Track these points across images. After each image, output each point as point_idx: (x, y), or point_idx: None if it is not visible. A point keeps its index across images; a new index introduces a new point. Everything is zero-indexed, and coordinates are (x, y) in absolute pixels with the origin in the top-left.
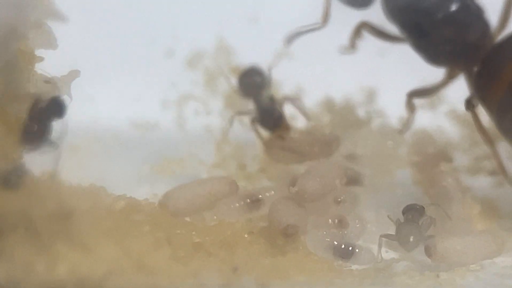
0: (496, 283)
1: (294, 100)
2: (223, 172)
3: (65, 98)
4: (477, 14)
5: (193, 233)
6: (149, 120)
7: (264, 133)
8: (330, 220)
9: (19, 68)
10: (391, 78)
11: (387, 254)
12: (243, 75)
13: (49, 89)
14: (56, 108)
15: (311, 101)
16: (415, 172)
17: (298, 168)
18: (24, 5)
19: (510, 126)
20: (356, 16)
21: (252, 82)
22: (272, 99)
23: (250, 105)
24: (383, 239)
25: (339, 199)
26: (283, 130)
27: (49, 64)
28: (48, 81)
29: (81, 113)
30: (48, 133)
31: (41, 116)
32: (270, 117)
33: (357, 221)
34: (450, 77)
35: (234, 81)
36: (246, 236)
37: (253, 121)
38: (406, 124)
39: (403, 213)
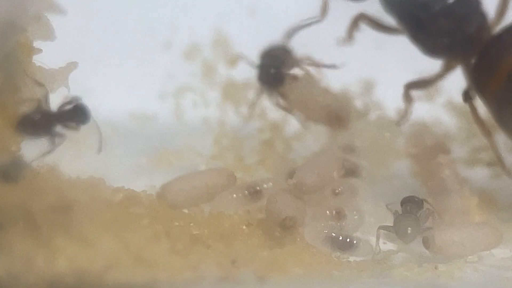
0: (494, 275)
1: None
2: (221, 164)
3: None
4: (474, 5)
5: (191, 225)
6: (147, 112)
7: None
8: (328, 212)
9: (18, 60)
10: (388, 69)
11: (385, 245)
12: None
13: (42, 91)
14: (79, 115)
15: None
16: (413, 164)
17: (296, 160)
18: None
19: (508, 117)
20: (354, 8)
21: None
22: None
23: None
24: (381, 230)
25: (337, 191)
26: (283, 89)
27: (47, 56)
28: (40, 83)
29: None
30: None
31: (61, 116)
32: (266, 72)
33: (355, 212)
34: (447, 69)
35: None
36: (244, 228)
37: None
38: (404, 115)
39: (402, 204)
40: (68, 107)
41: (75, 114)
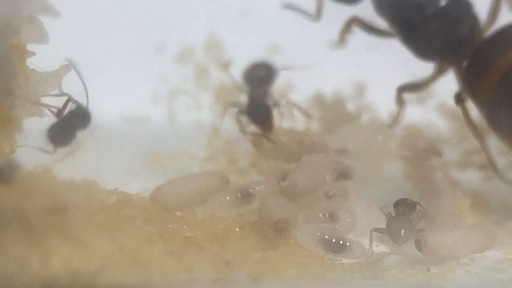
0: (486, 277)
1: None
2: (214, 167)
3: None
4: (466, 8)
5: (185, 227)
6: (140, 115)
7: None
8: (321, 214)
9: (11, 63)
10: (381, 72)
11: (378, 248)
12: (253, 66)
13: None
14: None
15: (301, 96)
16: (405, 167)
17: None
18: (16, 0)
19: (500, 120)
20: (346, 11)
21: (258, 74)
22: (266, 95)
23: (242, 98)
24: (374, 233)
25: (330, 194)
26: (267, 128)
27: (41, 58)
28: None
29: None
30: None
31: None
32: (258, 111)
33: (347, 215)
34: (439, 72)
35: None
36: (237, 230)
37: (239, 113)
38: (396, 118)
39: (394, 207)
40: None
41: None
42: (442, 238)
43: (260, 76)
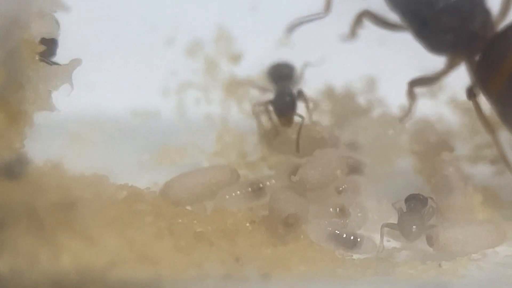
0: (498, 272)
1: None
2: (223, 161)
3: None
4: (478, 2)
5: (195, 222)
6: (149, 109)
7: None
8: (331, 209)
9: (21, 57)
10: (392, 66)
11: (389, 243)
12: (277, 64)
13: None
14: None
15: (311, 89)
16: (416, 161)
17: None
18: None
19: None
20: (358, 4)
21: (283, 72)
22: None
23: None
24: (385, 228)
25: (341, 188)
26: (287, 120)
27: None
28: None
29: (82, 101)
30: None
31: None
32: (283, 101)
33: (358, 210)
34: (451, 66)
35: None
36: (247, 225)
37: (266, 104)
38: (407, 112)
39: (406, 202)
40: None
41: None
42: (453, 234)
43: (284, 73)
